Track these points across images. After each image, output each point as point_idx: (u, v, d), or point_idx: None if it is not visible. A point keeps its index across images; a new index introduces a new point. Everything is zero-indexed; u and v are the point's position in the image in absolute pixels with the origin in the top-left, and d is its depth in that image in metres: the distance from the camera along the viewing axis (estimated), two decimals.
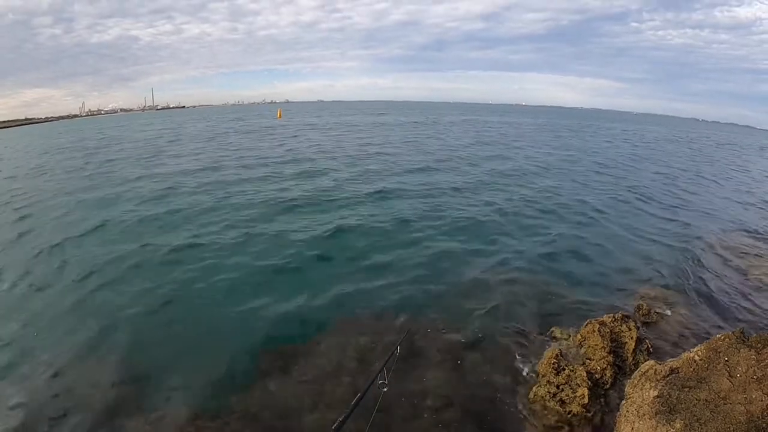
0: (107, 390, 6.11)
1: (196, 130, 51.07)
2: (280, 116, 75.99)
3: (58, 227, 13.15)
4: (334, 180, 18.84)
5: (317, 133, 41.78)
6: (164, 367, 6.57)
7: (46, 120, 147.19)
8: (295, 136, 39.78)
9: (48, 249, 11.25)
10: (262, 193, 16.55)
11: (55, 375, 6.43)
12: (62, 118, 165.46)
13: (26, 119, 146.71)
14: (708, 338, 6.08)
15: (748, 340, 5.37)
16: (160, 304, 8.35)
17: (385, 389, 3.55)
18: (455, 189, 17.69)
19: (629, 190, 18.90)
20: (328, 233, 11.89)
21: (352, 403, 2.95)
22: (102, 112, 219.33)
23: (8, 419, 5.68)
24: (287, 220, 13.18)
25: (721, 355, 5.14)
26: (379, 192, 16.52)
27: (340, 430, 2.54)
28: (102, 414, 5.68)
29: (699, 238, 12.71)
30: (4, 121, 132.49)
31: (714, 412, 4.30)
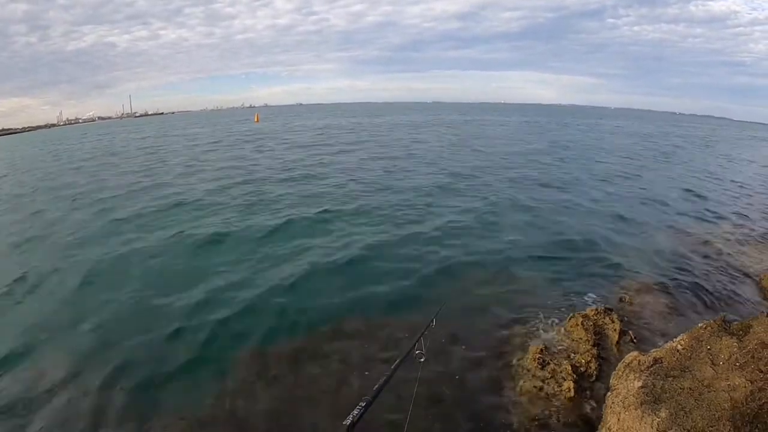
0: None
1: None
2: (257, 120, 74.87)
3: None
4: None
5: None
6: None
7: (24, 130, 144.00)
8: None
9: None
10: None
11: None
12: (40, 127, 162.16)
13: (3, 130, 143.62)
14: (691, 327, 6.10)
15: (729, 327, 5.41)
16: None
17: (423, 359, 3.54)
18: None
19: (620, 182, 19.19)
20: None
21: (391, 368, 2.91)
22: (80, 120, 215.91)
23: None
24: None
25: (703, 343, 5.16)
26: None
27: (377, 397, 2.50)
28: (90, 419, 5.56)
29: (682, 226, 12.90)
30: None
31: (698, 400, 4.29)
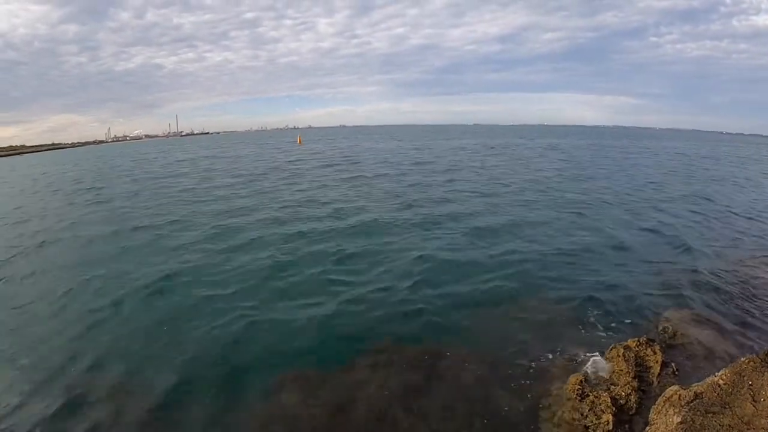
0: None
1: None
2: (300, 142, 75.68)
3: None
4: None
5: None
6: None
7: (73, 145, 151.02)
8: None
9: None
10: None
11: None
12: (88, 143, 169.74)
13: (53, 144, 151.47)
14: (734, 361, 6.08)
15: None
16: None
17: None
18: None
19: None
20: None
21: None
22: (127, 138, 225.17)
23: None
24: None
25: (745, 379, 5.19)
26: None
27: None
28: None
29: (731, 258, 12.56)
30: (33, 146, 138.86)
31: None
